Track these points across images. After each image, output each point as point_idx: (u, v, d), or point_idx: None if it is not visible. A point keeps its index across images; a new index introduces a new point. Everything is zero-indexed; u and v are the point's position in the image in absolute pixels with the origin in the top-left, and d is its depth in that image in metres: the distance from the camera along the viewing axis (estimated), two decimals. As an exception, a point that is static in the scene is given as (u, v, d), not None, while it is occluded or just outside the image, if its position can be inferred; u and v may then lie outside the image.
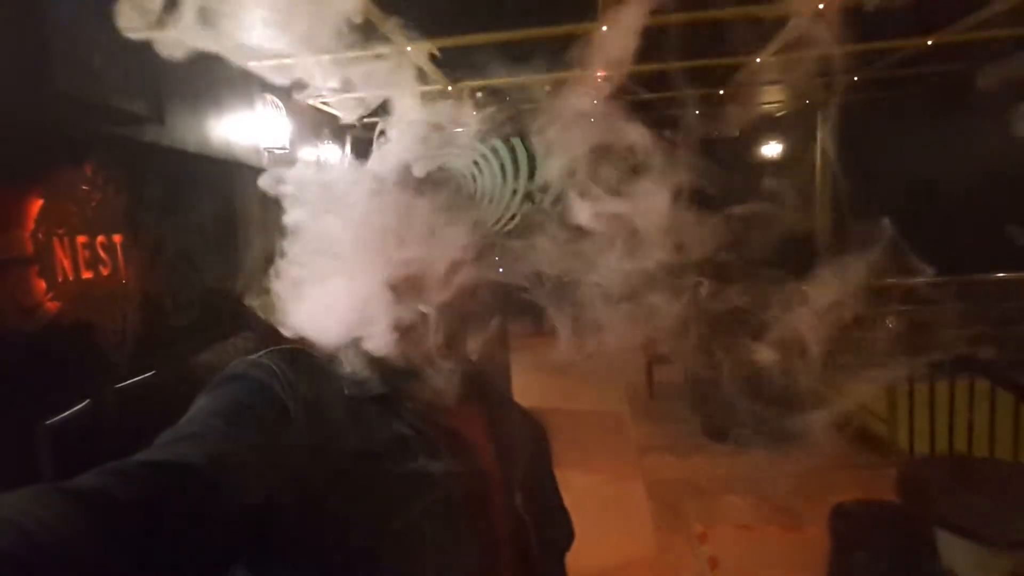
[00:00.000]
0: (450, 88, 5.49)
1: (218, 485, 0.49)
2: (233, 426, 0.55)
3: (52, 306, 2.38)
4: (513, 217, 8.40)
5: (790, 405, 4.10)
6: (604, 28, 4.38)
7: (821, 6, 3.91)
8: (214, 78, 4.09)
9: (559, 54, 4.94)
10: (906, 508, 2.02)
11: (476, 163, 8.42)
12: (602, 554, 2.77)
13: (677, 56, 5.12)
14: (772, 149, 8.77)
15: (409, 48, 4.35)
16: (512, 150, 8.24)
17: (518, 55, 4.79)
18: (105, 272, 2.84)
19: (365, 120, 6.42)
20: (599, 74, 5.05)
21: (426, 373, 0.67)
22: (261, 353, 0.64)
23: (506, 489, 0.70)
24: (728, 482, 3.53)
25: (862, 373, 4.32)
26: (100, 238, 2.85)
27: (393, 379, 0.67)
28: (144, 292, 3.14)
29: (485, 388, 0.75)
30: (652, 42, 4.64)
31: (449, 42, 4.36)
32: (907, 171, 7.20)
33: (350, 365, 0.67)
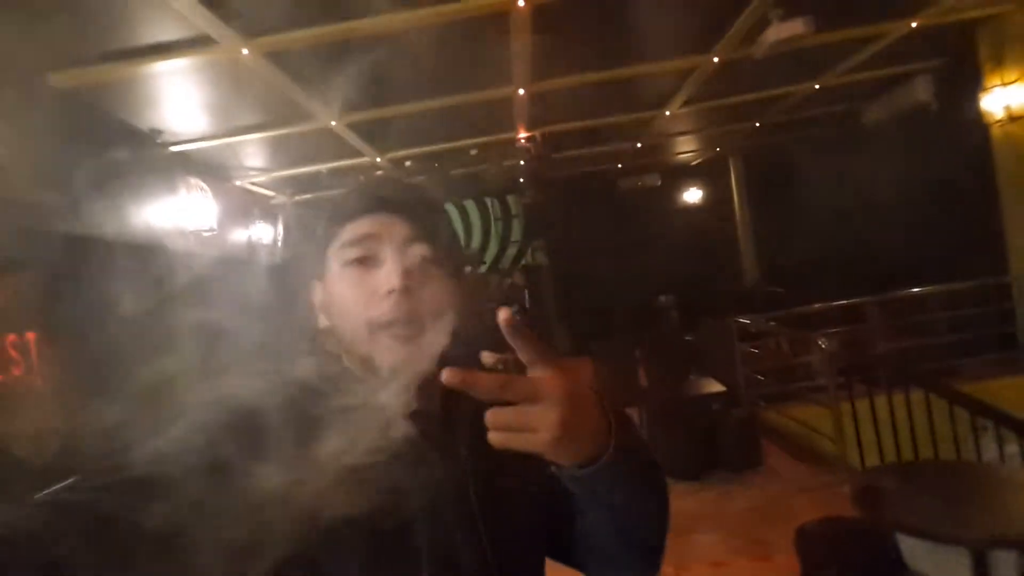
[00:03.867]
0: (379, 159, 5.58)
1: (202, 500, 0.48)
2: (207, 448, 0.54)
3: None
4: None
5: (742, 434, 4.12)
6: (521, 92, 4.58)
7: (716, 59, 4.25)
8: (134, 164, 4.01)
9: (482, 119, 5.14)
10: (865, 520, 2.04)
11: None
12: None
13: (592, 115, 5.41)
14: (694, 195, 9.24)
15: (334, 123, 4.43)
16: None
17: (442, 123, 4.94)
18: (17, 373, 2.65)
19: (297, 198, 6.40)
20: (521, 135, 5.22)
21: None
22: (240, 370, 0.67)
23: (500, 486, 0.68)
24: (693, 520, 3.49)
25: (808, 395, 4.42)
26: (10, 337, 2.66)
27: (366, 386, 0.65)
28: (63, 393, 2.92)
29: None
30: (569, 101, 4.86)
31: (372, 115, 4.45)
32: (816, 204, 7.72)
33: (328, 373, 0.66)
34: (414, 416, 0.61)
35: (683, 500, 3.82)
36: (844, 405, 4.09)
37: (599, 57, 4.14)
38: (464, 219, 8.29)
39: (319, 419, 0.60)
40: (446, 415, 0.69)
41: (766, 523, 3.32)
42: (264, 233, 6.13)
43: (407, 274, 0.65)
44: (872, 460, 4.04)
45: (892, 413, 3.99)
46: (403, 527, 0.61)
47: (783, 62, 4.81)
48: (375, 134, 4.90)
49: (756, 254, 9.13)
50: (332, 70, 3.53)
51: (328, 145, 4.91)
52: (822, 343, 3.93)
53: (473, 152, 5.54)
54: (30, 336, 2.81)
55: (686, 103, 5.18)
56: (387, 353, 0.64)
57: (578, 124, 5.48)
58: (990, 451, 3.79)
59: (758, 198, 9.08)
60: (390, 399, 0.61)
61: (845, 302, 5.26)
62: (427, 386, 0.62)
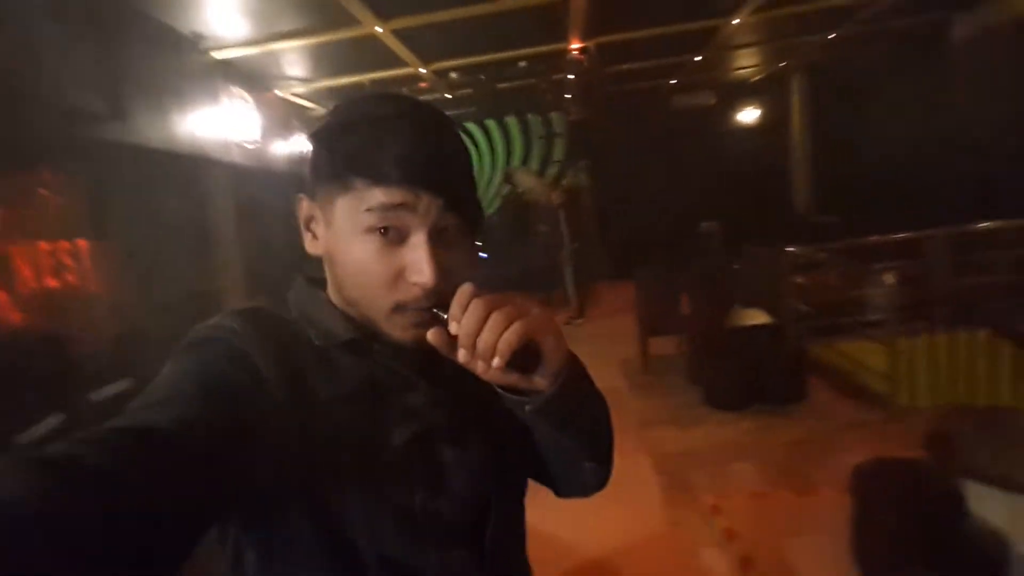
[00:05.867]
0: (422, 70, 5.34)
1: (186, 449, 0.49)
2: (201, 388, 0.54)
3: (16, 317, 2.23)
4: (491, 202, 8.27)
5: (788, 367, 4.03)
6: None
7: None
8: (176, 71, 3.91)
9: (533, 27, 4.83)
10: (934, 462, 1.97)
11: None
12: (614, 533, 2.70)
13: (652, 24, 5.02)
14: (749, 115, 8.72)
15: (379, 29, 4.21)
16: (487, 133, 8.10)
17: (491, 32, 4.66)
18: (71, 280, 2.69)
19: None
20: (575, 46, 4.91)
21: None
22: (219, 316, 0.63)
23: (485, 412, 0.69)
24: (734, 450, 3.48)
25: (861, 330, 4.27)
26: (63, 244, 2.69)
27: (359, 323, 0.66)
28: (115, 299, 2.99)
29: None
30: (628, 7, 4.50)
31: (418, 20, 4.21)
32: (884, 127, 7.19)
33: (315, 316, 0.66)
34: (403, 351, 0.64)
35: (724, 430, 3.81)
36: (900, 342, 3.94)
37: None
38: (488, 140, 8.04)
39: (316, 351, 0.63)
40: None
41: (808, 457, 3.29)
42: (305, 146, 6.05)
43: (437, 262, 0.60)
44: (923, 401, 3.93)
45: (950, 353, 3.84)
46: (394, 452, 0.62)
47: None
48: (421, 42, 4.66)
49: (811, 180, 8.67)
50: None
51: (372, 54, 4.70)
52: (886, 278, 3.74)
53: (522, 64, 5.25)
54: (81, 244, 2.84)
55: (758, 10, 4.74)
56: (401, 331, 0.64)
57: (637, 34, 5.10)
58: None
59: (819, 119, 8.50)
60: (384, 346, 0.65)
61: (905, 235, 4.96)
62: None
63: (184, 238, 4.04)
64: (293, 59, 4.71)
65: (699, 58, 6.42)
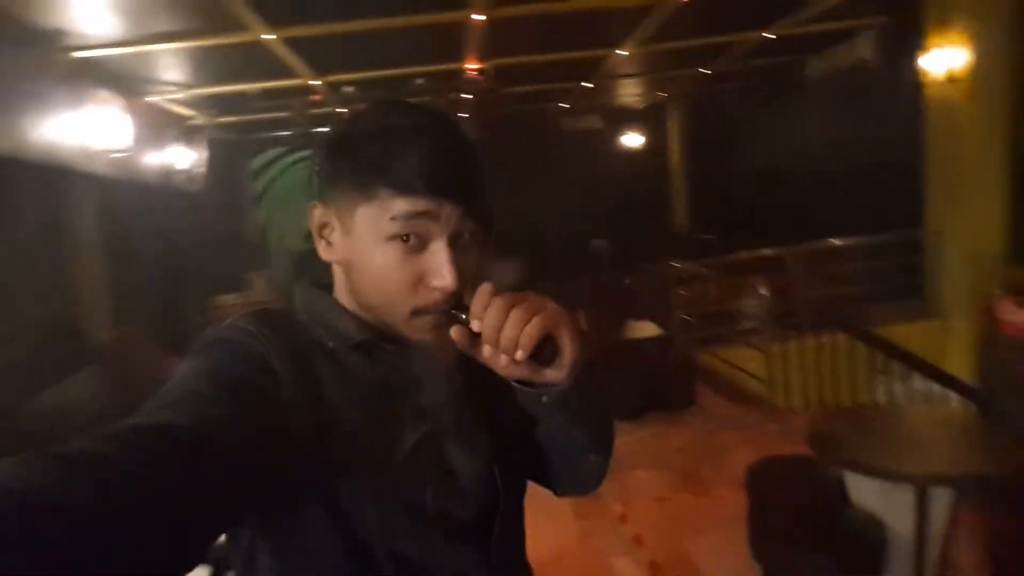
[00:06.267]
0: (314, 82, 5.16)
1: (205, 447, 0.50)
2: (217, 388, 0.55)
3: None
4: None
5: (679, 376, 4.26)
6: (478, 17, 4.30)
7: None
8: (31, 70, 3.49)
9: (431, 45, 4.83)
10: (817, 458, 2.16)
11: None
12: (527, 547, 2.70)
13: (546, 49, 5.21)
14: (633, 140, 9.25)
15: (268, 36, 4.01)
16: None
17: (388, 47, 4.60)
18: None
19: (219, 120, 5.86)
20: (471, 66, 4.95)
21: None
22: (233, 317, 0.64)
23: (492, 412, 0.72)
24: (635, 458, 3.62)
25: (740, 338, 4.62)
26: None
27: (370, 325, 0.68)
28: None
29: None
30: (521, 34, 4.62)
31: (312, 31, 4.06)
32: (750, 154, 7.93)
33: (326, 318, 0.68)
34: (414, 352, 0.67)
35: (624, 439, 3.89)
36: (774, 348, 4.32)
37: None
38: None
39: (328, 353, 0.64)
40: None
41: (702, 460, 3.50)
42: (181, 157, 5.61)
43: (457, 266, 0.63)
44: (796, 401, 4.32)
45: (816, 356, 4.26)
46: (406, 452, 0.64)
47: (737, 7, 4.79)
48: (313, 53, 4.50)
49: (689, 201, 9.34)
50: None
51: (259, 61, 4.47)
52: (762, 290, 4.09)
53: (419, 81, 5.23)
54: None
55: (642, 43, 5.06)
56: (421, 333, 0.65)
57: (532, 58, 5.27)
58: (898, 390, 4.14)
59: (695, 146, 9.22)
60: (395, 347, 0.67)
61: (771, 251, 5.48)
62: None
63: (38, 259, 3.60)
64: (171, 63, 4.37)
65: (588, 84, 6.74)
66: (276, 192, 7.83)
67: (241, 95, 5.26)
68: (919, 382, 3.87)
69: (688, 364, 4.47)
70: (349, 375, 0.64)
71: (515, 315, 0.58)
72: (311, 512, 0.60)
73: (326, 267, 0.71)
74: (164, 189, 5.39)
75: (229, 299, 5.75)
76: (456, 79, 5.36)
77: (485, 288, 0.60)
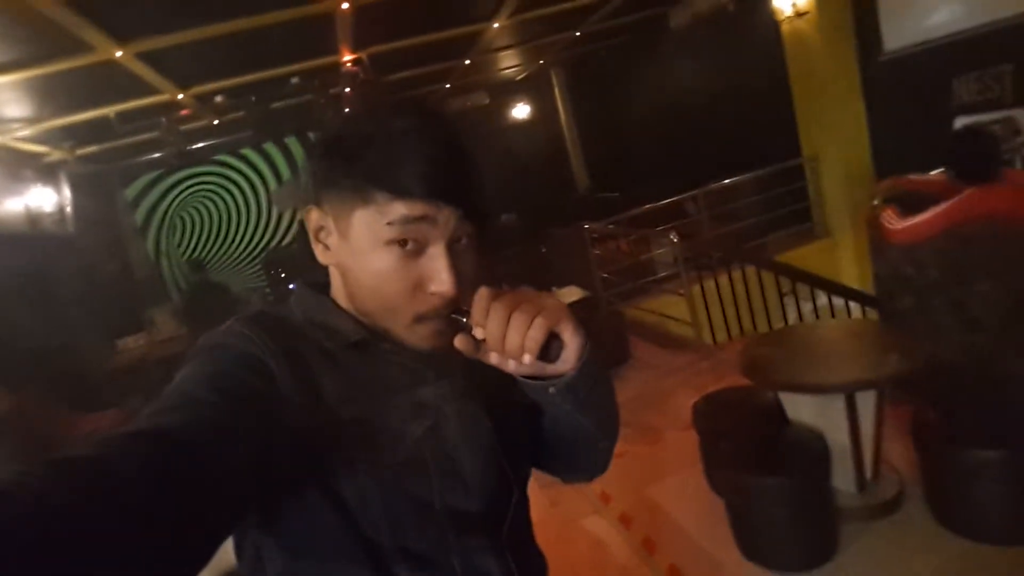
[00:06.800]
0: (180, 96, 4.78)
1: (204, 451, 0.49)
2: (215, 392, 0.54)
3: None
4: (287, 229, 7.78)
5: (610, 334, 4.36)
6: (345, 6, 4.12)
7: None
8: None
9: (299, 42, 4.59)
10: (754, 386, 2.30)
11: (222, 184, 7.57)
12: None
13: (418, 31, 5.09)
14: (522, 111, 9.30)
15: (119, 53, 3.66)
16: (267, 158, 7.57)
17: (253, 49, 4.32)
18: None
19: (79, 152, 5.30)
20: (346, 58, 4.76)
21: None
22: (228, 322, 0.63)
23: (493, 402, 0.72)
24: (583, 420, 3.71)
25: (659, 287, 4.80)
26: None
27: (367, 324, 0.67)
28: None
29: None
30: (391, 19, 4.46)
31: (165, 41, 3.73)
32: (634, 108, 8.19)
33: (323, 319, 0.67)
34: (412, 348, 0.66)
35: (568, 404, 4.04)
36: (692, 290, 4.54)
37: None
38: (271, 166, 7.60)
39: (326, 353, 0.64)
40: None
41: (649, 409, 3.63)
42: (44, 199, 5.06)
43: (455, 271, 0.62)
44: (721, 336, 4.57)
45: (731, 291, 4.51)
46: (410, 446, 0.63)
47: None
48: (172, 65, 4.15)
49: (586, 163, 9.55)
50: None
51: (114, 82, 4.08)
52: (673, 237, 4.26)
53: (294, 80, 4.97)
54: None
55: (512, 14, 5.05)
56: (422, 340, 0.65)
57: (405, 42, 5.13)
58: (806, 309, 4.48)
59: (581, 108, 9.41)
60: (393, 344, 0.66)
61: (670, 200, 5.73)
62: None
63: None
64: (12, 97, 3.89)
65: (468, 62, 6.67)
66: (162, 218, 7.28)
67: (101, 121, 4.79)
68: (823, 298, 4.21)
69: (617, 320, 4.61)
70: (347, 375, 0.63)
71: (517, 319, 0.57)
72: (317, 511, 0.59)
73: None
74: (32, 237, 4.86)
75: (133, 341, 5.32)
76: (333, 74, 5.14)
77: (483, 293, 0.59)
